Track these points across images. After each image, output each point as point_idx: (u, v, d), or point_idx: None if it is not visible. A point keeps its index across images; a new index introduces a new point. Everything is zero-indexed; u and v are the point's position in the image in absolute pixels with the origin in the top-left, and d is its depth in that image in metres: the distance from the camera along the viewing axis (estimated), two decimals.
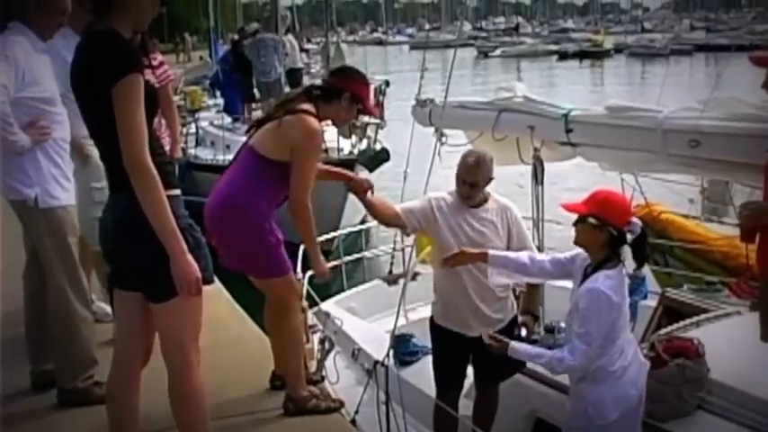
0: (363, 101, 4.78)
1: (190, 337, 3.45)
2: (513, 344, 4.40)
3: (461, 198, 5.11)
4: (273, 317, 4.80)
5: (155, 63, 6.81)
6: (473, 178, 5.03)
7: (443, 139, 6.36)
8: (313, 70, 23.16)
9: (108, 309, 5.48)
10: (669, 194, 9.02)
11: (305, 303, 6.35)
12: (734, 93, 5.55)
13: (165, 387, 3.48)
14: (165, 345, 3.47)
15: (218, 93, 20.28)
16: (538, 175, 6.18)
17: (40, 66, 4.62)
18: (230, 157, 16.61)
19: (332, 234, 7.97)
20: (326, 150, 13.15)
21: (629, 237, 4.28)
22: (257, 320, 5.92)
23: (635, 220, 4.31)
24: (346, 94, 4.67)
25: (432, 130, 6.67)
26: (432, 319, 5.36)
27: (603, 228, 4.26)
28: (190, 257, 3.25)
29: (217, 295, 6.12)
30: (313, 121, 4.50)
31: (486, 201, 5.14)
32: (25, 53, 4.54)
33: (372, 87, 14.60)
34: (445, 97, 6.14)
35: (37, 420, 4.57)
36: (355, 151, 13.38)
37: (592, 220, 4.28)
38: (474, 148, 5.85)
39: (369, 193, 4.99)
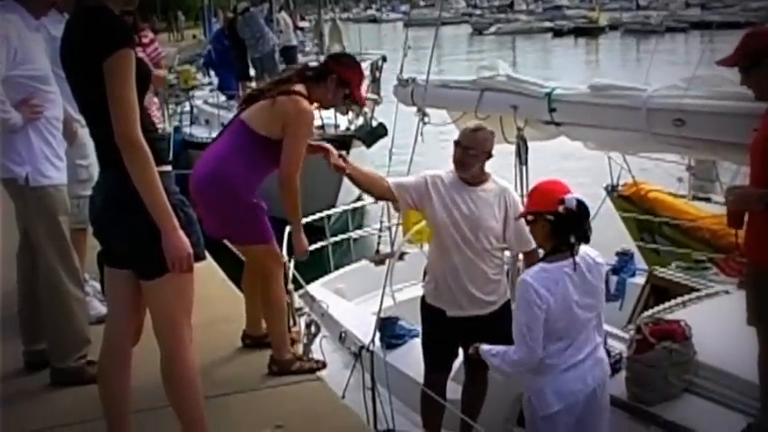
0: (350, 85, 4.88)
1: (182, 314, 3.46)
2: (482, 347, 4.40)
3: (454, 163, 5.07)
4: (253, 280, 5.05)
5: (145, 41, 6.88)
6: (467, 141, 5.00)
7: (426, 118, 6.34)
8: (307, 48, 23.05)
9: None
10: (658, 173, 9.04)
11: (291, 286, 6.39)
12: (726, 71, 5.51)
13: (158, 365, 3.49)
14: (156, 322, 3.48)
15: (211, 72, 20.21)
16: (522, 155, 6.16)
17: (33, 44, 4.63)
18: None
19: (325, 212, 7.99)
20: (323, 126, 13.21)
21: (572, 214, 4.09)
22: None
23: (569, 197, 4.12)
24: (333, 76, 4.82)
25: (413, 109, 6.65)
26: (423, 298, 5.38)
27: (538, 218, 4.18)
28: (181, 234, 3.26)
29: (210, 273, 6.15)
30: (305, 102, 4.68)
31: (485, 181, 5.10)
32: (18, 31, 4.54)
33: (369, 63, 14.61)
34: (427, 77, 6.11)
35: (30, 400, 4.59)
36: (352, 127, 13.40)
37: (529, 217, 4.26)
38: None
39: (350, 167, 4.99)
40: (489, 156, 5.09)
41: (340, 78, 4.83)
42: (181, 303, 3.45)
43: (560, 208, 4.09)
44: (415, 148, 5.45)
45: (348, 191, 13.08)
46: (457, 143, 5.05)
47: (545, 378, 4.16)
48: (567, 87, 5.86)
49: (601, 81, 5.77)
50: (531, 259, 5.14)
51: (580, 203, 4.12)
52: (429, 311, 5.28)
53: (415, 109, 6.75)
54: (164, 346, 3.48)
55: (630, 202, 9.27)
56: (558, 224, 4.11)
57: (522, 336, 4.10)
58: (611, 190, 9.39)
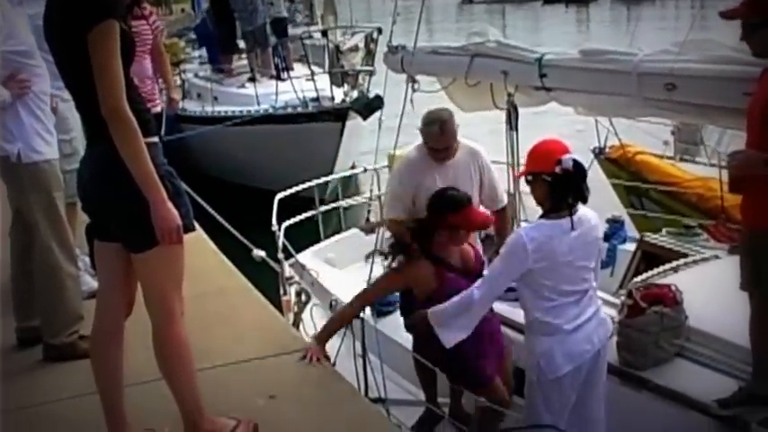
0: (461, 226, 4.72)
1: (172, 286, 3.46)
2: (430, 312, 4.45)
3: (434, 159, 5.20)
4: None
5: (145, 12, 6.89)
6: (444, 144, 5.14)
7: (415, 85, 6.32)
8: (297, 20, 22.86)
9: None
10: (642, 135, 9.01)
11: (281, 255, 6.38)
12: (718, 35, 5.45)
13: (150, 338, 3.49)
14: (147, 295, 3.48)
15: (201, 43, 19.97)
16: (512, 121, 6.12)
17: (15, 19, 4.59)
18: (218, 108, 16.44)
19: (315, 181, 8.01)
20: (318, 99, 13.16)
21: (569, 174, 4.12)
22: (243, 271, 5.96)
23: (565, 157, 4.13)
24: (441, 231, 4.68)
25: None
26: None
27: (536, 179, 4.21)
28: (170, 205, 3.25)
29: (200, 245, 6.14)
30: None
31: (456, 150, 5.23)
32: (1, 8, 4.51)
33: (363, 35, 14.51)
34: (415, 43, 6.09)
35: (23, 376, 4.59)
36: (348, 99, 13.36)
37: (528, 177, 4.28)
38: (435, 107, 5.72)
39: None
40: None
41: (451, 226, 4.67)
42: (171, 275, 3.44)
43: (557, 168, 4.11)
44: (404, 116, 5.45)
45: (341, 162, 13.13)
46: (433, 149, 5.15)
47: (553, 339, 4.21)
48: (558, 53, 5.80)
49: (592, 46, 5.72)
50: (501, 222, 5.32)
51: (577, 164, 4.15)
52: None
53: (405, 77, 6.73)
54: (155, 319, 3.48)
55: (617, 165, 9.25)
56: (556, 184, 4.14)
57: (490, 277, 4.24)
58: (599, 153, 9.36)
